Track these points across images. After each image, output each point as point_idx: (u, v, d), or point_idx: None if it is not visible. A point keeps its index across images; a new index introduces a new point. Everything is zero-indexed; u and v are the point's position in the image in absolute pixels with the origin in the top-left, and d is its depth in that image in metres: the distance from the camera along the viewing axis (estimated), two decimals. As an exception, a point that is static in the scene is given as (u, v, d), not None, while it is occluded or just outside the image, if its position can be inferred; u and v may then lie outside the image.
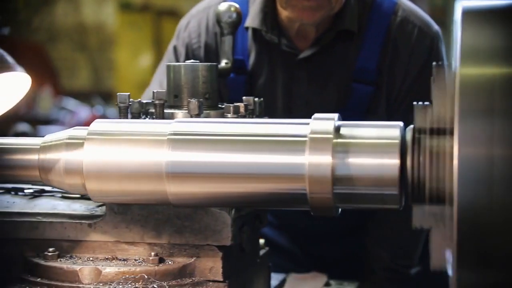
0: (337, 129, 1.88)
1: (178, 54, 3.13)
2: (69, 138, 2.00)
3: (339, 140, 1.86)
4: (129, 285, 1.96)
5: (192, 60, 2.24)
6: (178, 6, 13.80)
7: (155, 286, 1.97)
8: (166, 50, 3.15)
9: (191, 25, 3.12)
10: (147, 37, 13.51)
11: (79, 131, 2.02)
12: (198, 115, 2.08)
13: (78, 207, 2.13)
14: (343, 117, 2.87)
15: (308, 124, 1.89)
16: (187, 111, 2.15)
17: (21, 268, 2.09)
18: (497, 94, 1.55)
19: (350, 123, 1.91)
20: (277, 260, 2.70)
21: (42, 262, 2.04)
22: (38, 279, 2.03)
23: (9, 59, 1.73)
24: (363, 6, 2.93)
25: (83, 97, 11.14)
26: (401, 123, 1.88)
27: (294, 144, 1.87)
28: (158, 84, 3.10)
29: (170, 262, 2.03)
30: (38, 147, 2.04)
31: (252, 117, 2.22)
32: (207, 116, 2.15)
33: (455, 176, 1.53)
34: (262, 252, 2.35)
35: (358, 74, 2.89)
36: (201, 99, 2.10)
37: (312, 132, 1.87)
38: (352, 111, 2.88)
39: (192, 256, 2.04)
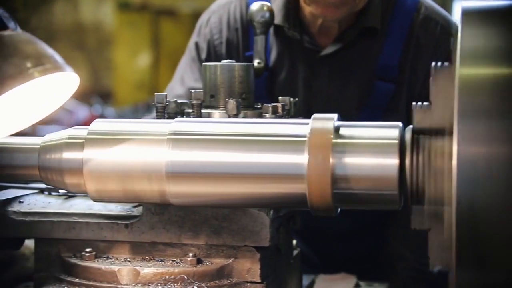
0: (336, 129, 1.88)
1: (200, 50, 3.13)
2: (69, 138, 1.99)
3: (339, 140, 1.85)
4: (169, 286, 1.95)
5: (228, 60, 2.23)
6: (176, 6, 13.80)
7: (195, 287, 1.95)
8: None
9: (212, 21, 3.12)
10: (145, 37, 13.52)
11: (79, 131, 2.01)
12: (236, 115, 2.07)
13: (114, 207, 2.12)
14: (363, 114, 2.90)
15: (307, 124, 1.89)
16: (223, 111, 2.14)
17: (58, 268, 2.08)
18: (496, 94, 1.54)
19: (350, 123, 1.91)
20: None
21: (80, 262, 2.03)
22: (76, 279, 2.01)
23: (59, 59, 1.72)
24: (387, 3, 2.94)
25: (82, 96, 11.11)
26: (400, 124, 1.88)
27: (293, 144, 1.87)
28: (180, 81, 3.09)
29: (207, 263, 2.02)
30: (38, 146, 2.03)
31: (287, 118, 2.21)
32: (245, 116, 2.14)
33: (454, 176, 1.52)
34: (294, 253, 2.35)
35: (380, 71, 2.90)
36: (238, 99, 2.09)
37: (312, 132, 1.86)
38: (372, 108, 2.88)
39: (229, 257, 2.03)
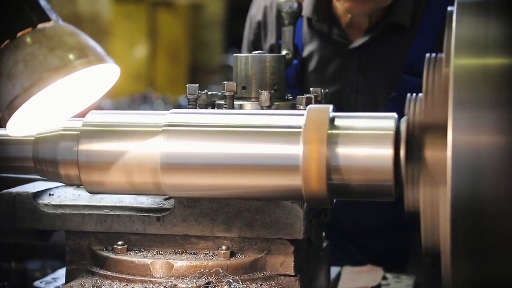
0: (331, 120, 1.87)
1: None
2: (64, 130, 1.98)
3: (334, 131, 1.84)
4: (203, 279, 1.93)
5: (259, 51, 2.22)
6: (172, -3, 13.77)
7: (230, 280, 1.94)
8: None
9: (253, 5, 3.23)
10: (142, 28, 13.44)
11: (74, 122, 1.99)
12: (269, 107, 2.06)
13: (145, 200, 2.10)
14: (392, 108, 2.88)
15: (302, 115, 1.88)
16: (255, 102, 2.13)
17: (89, 261, 2.07)
18: (490, 84, 1.55)
19: (345, 114, 1.91)
20: None
21: (112, 255, 2.01)
22: (109, 272, 2.00)
23: (100, 50, 1.70)
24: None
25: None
26: (395, 114, 1.88)
27: (288, 135, 1.86)
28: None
29: (241, 256, 2.01)
30: (33, 138, 2.01)
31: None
32: (277, 107, 2.12)
33: (449, 165, 1.53)
34: (323, 245, 2.34)
35: (409, 66, 2.89)
36: (271, 91, 2.08)
37: (307, 123, 1.86)
38: (400, 102, 2.87)
39: (262, 250, 2.01)
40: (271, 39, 3.10)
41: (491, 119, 1.53)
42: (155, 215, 2.05)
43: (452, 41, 1.59)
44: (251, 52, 3.11)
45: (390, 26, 2.90)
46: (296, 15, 2.47)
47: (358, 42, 2.93)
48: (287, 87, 2.28)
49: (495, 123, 1.53)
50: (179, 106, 8.19)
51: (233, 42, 10.33)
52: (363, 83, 2.94)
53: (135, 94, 11.41)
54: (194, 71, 13.88)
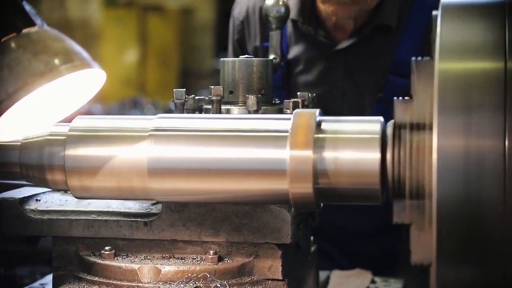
0: (318, 124, 1.87)
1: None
2: (50, 135, 1.98)
3: (320, 135, 1.85)
4: (191, 284, 1.93)
5: (246, 55, 2.21)
6: (163, 2, 13.76)
7: (218, 285, 1.93)
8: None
9: (236, 8, 3.23)
10: (132, 33, 13.44)
11: (61, 128, 1.99)
12: (256, 111, 2.06)
13: (133, 205, 2.10)
14: (378, 109, 2.89)
15: (289, 119, 1.88)
16: (242, 107, 2.13)
17: (77, 267, 2.06)
18: (475, 88, 1.56)
19: (331, 118, 1.91)
20: None
21: (99, 261, 2.01)
22: (96, 278, 1.99)
23: (85, 55, 1.70)
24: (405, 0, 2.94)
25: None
26: (381, 118, 1.88)
27: (275, 139, 1.86)
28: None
29: (228, 261, 2.00)
30: (19, 143, 2.01)
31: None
32: (264, 112, 2.12)
33: (434, 170, 1.54)
34: (312, 249, 2.33)
35: (395, 67, 2.90)
36: (258, 95, 2.08)
37: (293, 128, 1.86)
38: (386, 103, 2.88)
39: (250, 255, 2.01)
40: (254, 41, 3.10)
41: (477, 123, 1.54)
42: (143, 220, 2.04)
43: (437, 45, 1.60)
44: (236, 52, 3.14)
45: (377, 28, 2.91)
46: (283, 19, 2.46)
47: (344, 43, 2.94)
48: (273, 89, 2.28)
49: (480, 127, 1.54)
50: (169, 111, 8.17)
51: (224, 47, 10.32)
52: (350, 84, 2.95)
53: (125, 99, 11.41)
54: (185, 75, 13.88)
